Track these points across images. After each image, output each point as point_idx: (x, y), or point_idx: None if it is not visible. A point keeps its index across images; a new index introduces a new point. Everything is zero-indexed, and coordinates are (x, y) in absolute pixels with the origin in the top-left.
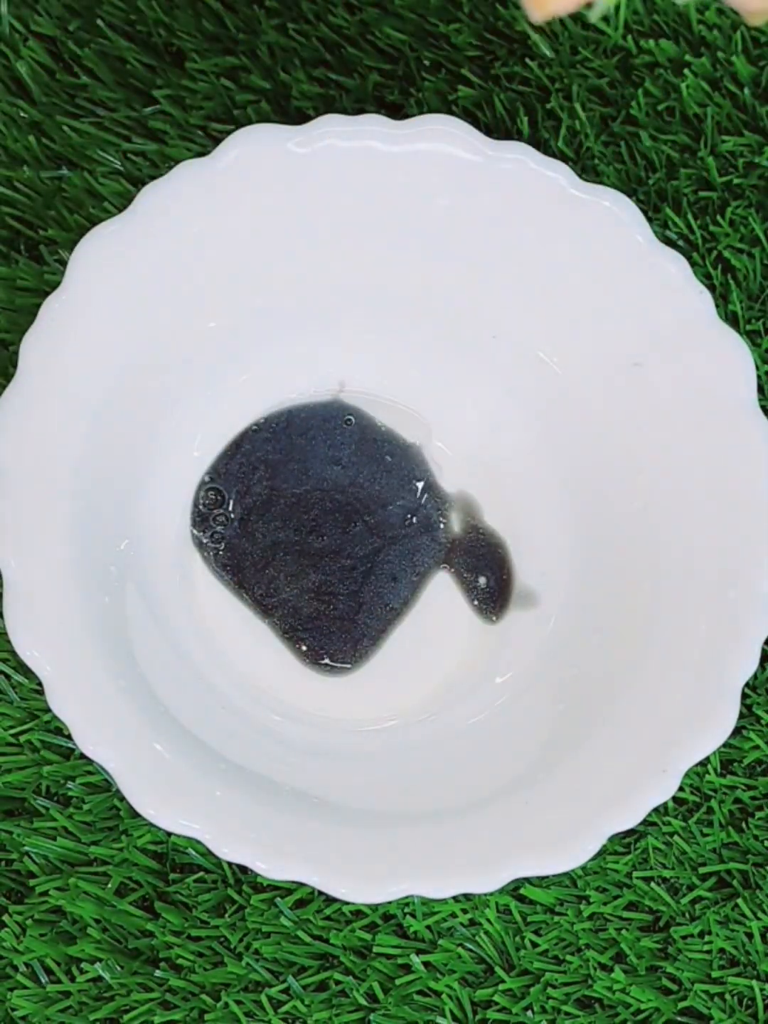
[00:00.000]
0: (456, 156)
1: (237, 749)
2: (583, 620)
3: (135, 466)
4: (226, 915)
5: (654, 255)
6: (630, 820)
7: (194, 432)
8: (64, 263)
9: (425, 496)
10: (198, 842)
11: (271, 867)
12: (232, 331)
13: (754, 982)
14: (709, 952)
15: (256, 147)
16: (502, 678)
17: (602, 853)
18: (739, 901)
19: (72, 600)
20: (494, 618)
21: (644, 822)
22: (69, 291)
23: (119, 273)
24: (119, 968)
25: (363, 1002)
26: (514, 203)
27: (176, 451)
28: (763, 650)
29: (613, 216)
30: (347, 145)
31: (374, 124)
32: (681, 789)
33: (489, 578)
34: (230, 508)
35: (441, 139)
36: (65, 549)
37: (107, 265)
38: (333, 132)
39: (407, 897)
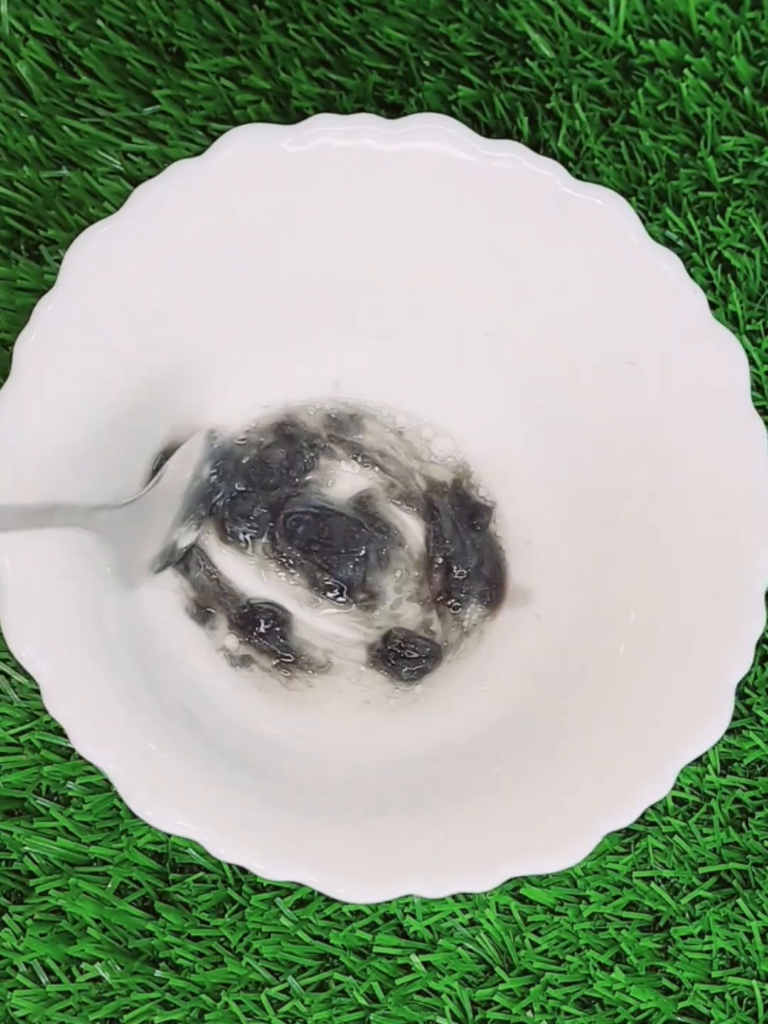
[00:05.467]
0: (450, 155)
1: (235, 750)
2: (579, 619)
3: (131, 466)
4: (226, 915)
5: (648, 254)
6: (626, 818)
7: (190, 431)
8: None
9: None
10: (198, 842)
11: (270, 867)
12: (225, 330)
13: (754, 982)
14: (709, 952)
15: (249, 147)
16: (499, 679)
17: (602, 853)
18: (739, 901)
19: (69, 602)
20: (491, 617)
21: (644, 822)
22: (62, 291)
23: (112, 273)
24: (119, 968)
25: (363, 1002)
26: (508, 202)
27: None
28: (762, 650)
29: (606, 215)
30: (341, 144)
31: (368, 123)
32: (681, 789)
33: (486, 577)
34: (223, 507)
35: (435, 138)
36: (62, 551)
37: (100, 265)
38: (327, 131)
39: (407, 897)
